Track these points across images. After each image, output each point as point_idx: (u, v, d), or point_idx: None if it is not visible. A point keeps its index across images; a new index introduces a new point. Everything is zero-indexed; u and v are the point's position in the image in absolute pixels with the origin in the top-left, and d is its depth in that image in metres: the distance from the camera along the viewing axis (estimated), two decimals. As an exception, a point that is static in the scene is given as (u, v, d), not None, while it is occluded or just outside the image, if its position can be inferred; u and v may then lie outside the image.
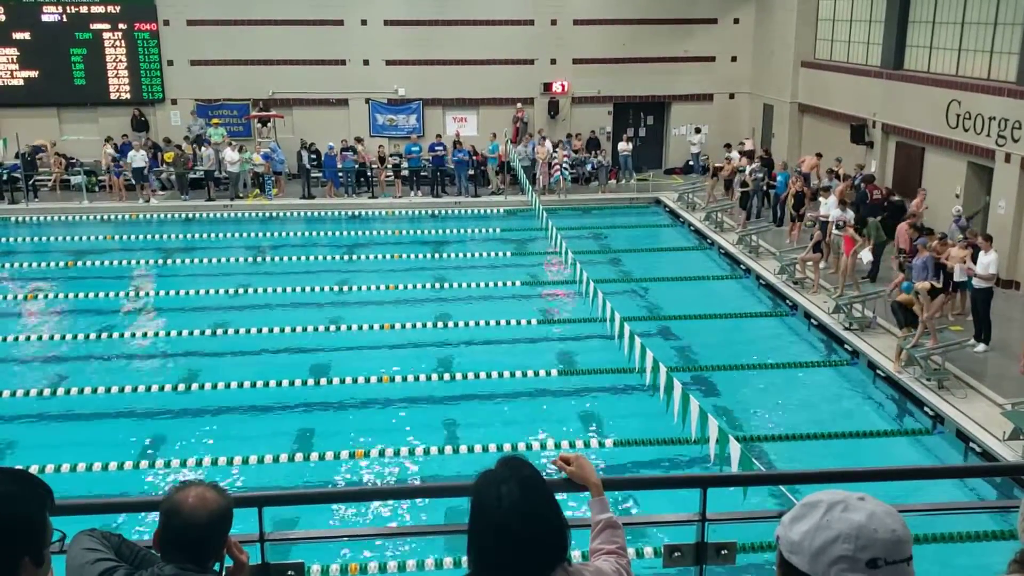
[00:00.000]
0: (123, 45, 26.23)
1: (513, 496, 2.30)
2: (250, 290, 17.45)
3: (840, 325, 15.05)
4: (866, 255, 16.84)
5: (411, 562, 8.60)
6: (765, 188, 22.23)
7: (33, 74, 26.09)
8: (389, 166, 25.57)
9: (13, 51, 25.94)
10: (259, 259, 20.15)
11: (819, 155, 22.36)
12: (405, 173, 25.44)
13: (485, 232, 22.50)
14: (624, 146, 26.45)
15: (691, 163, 27.62)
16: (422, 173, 25.53)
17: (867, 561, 1.56)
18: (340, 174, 25.10)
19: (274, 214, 24.16)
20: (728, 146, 24.72)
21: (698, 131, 27.66)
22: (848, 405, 13.24)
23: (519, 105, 26.99)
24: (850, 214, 17.08)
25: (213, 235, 21.80)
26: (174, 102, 26.84)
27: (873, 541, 1.57)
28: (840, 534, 1.58)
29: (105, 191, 25.20)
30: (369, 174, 25.60)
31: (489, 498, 2.33)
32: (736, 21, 27.55)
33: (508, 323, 15.44)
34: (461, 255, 20.33)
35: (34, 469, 10.41)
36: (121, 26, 26.13)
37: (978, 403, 12.04)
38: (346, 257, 20.27)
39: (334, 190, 25.08)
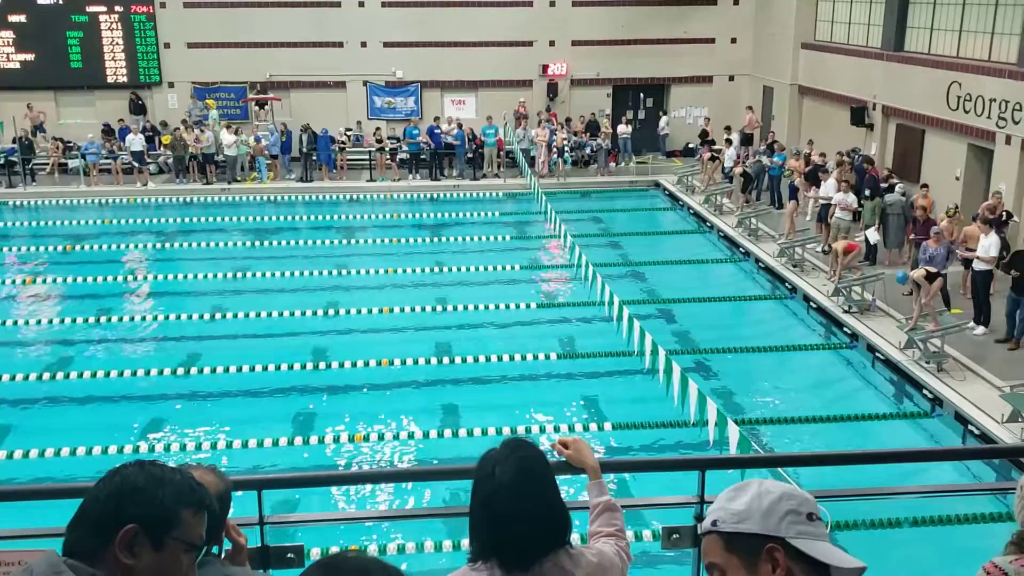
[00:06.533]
0: (119, 28, 26.08)
1: (506, 476, 2.29)
2: (248, 274, 17.43)
3: (839, 308, 15.04)
4: (872, 235, 16.81)
5: (411, 544, 8.63)
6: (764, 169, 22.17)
7: (29, 57, 25.95)
8: (387, 149, 25.48)
9: (9, 34, 25.80)
10: (257, 243, 20.10)
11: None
12: (404, 156, 25.36)
13: (484, 216, 22.45)
14: (623, 129, 26.36)
15: (691, 146, 27.54)
16: (421, 156, 25.45)
17: (807, 514, 1.77)
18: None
19: (272, 198, 24.10)
20: (728, 128, 24.62)
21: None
22: (847, 388, 13.26)
23: (523, 100, 26.84)
24: (852, 198, 17.03)
25: (211, 219, 21.74)
26: (171, 85, 26.72)
27: (803, 499, 1.79)
28: (782, 494, 1.78)
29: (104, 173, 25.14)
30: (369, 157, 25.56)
31: (484, 478, 2.33)
32: (736, 2, 27.39)
33: (507, 307, 15.43)
34: (460, 239, 20.27)
35: (33, 453, 10.47)
36: (117, 8, 25.98)
37: (977, 386, 12.06)
38: (344, 241, 20.23)
39: (328, 172, 25.03)
